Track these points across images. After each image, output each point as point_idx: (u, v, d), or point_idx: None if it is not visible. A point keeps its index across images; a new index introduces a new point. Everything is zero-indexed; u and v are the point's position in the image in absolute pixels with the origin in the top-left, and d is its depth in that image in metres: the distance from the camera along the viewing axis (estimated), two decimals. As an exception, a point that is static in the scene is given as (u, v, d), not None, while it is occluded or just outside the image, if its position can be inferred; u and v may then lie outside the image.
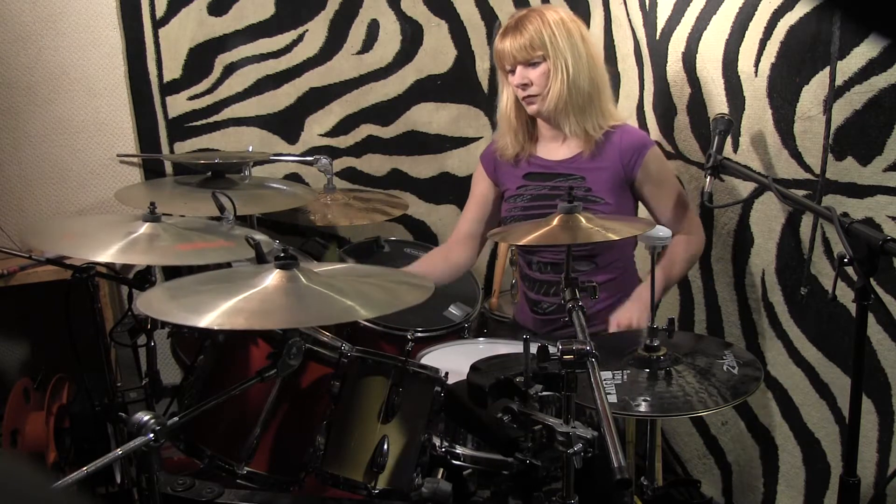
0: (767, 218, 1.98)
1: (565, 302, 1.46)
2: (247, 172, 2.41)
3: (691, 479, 2.30)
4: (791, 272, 1.92)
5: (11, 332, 2.70)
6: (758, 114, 1.94)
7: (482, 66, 2.89)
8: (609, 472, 1.01)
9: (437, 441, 1.54)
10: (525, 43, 1.95)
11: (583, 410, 1.45)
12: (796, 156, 1.83)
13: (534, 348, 1.24)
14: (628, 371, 1.55)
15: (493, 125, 2.89)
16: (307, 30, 2.72)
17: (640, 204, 2.11)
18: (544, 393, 1.25)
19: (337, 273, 1.50)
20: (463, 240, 2.23)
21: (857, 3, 1.69)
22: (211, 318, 1.21)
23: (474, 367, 1.38)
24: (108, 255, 1.56)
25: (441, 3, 2.81)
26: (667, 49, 2.31)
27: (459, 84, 2.88)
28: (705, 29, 2.12)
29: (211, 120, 2.72)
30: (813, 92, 1.76)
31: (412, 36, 2.81)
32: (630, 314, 1.88)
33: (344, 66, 2.78)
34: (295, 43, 2.73)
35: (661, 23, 2.34)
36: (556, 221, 1.54)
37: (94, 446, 2.34)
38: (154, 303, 1.37)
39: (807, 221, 1.85)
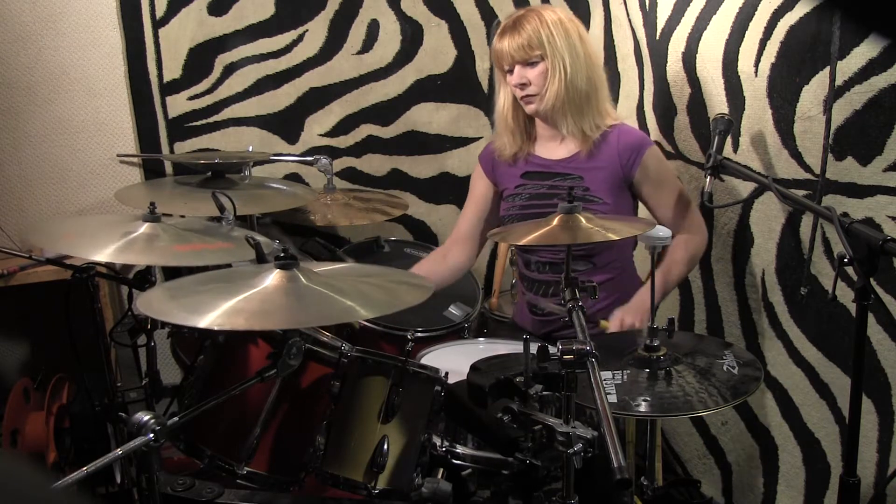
0: (767, 218, 1.98)
1: (565, 302, 1.46)
2: (247, 172, 2.41)
3: (691, 479, 2.30)
4: (791, 272, 1.92)
5: (11, 332, 2.70)
6: (758, 114, 1.94)
7: (482, 66, 2.89)
8: (609, 472, 1.01)
9: (437, 441, 1.54)
10: (523, 43, 1.95)
11: (583, 410, 1.45)
12: (796, 156, 1.83)
13: (534, 348, 1.24)
14: (628, 371, 1.55)
15: (493, 125, 2.89)
16: (307, 30, 2.72)
17: (640, 204, 2.11)
18: (544, 393, 1.25)
19: (337, 273, 1.50)
20: (462, 240, 2.24)
21: (857, 3, 1.69)
22: (211, 318, 1.21)
23: (474, 367, 1.38)
24: (107, 254, 1.56)
25: (441, 3, 2.80)
26: (667, 49, 2.30)
27: (459, 84, 2.88)
28: (705, 29, 2.12)
29: (211, 120, 2.72)
30: (813, 92, 1.76)
31: (412, 36, 2.81)
32: (624, 315, 1.90)
33: (344, 66, 2.78)
34: (295, 43, 2.73)
35: (661, 23, 2.34)
36: (556, 221, 1.54)
37: (94, 446, 2.34)
38: (154, 303, 1.37)
39: (807, 221, 1.85)
